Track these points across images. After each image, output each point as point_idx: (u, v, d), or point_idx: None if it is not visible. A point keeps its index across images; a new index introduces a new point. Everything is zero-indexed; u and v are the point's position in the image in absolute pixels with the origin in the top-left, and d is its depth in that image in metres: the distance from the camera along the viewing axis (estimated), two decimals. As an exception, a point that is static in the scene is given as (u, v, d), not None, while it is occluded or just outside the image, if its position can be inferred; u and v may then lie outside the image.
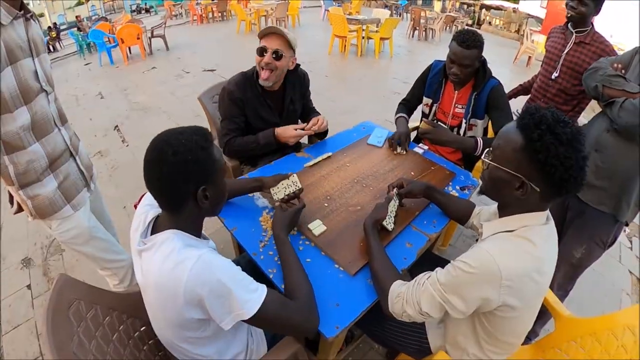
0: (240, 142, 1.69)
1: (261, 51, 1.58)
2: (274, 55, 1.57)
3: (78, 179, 1.26)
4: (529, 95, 2.24)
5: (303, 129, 1.68)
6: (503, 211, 0.92)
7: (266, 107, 1.72)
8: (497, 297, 0.79)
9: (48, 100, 1.12)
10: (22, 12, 1.02)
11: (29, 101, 1.03)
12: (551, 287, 1.36)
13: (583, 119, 2.13)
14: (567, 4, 1.83)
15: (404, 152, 1.76)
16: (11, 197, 1.21)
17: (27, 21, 1.04)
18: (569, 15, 1.84)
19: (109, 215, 1.56)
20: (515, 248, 0.81)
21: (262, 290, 0.83)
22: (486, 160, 0.89)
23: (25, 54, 1.01)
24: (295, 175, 1.31)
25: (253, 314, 0.78)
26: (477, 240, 1.03)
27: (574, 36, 1.86)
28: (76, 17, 15.19)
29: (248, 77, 1.68)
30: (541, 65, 2.10)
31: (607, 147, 1.34)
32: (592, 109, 2.95)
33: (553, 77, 1.96)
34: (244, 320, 0.80)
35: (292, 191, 1.26)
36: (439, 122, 1.90)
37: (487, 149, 0.90)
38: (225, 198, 0.93)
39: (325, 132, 1.86)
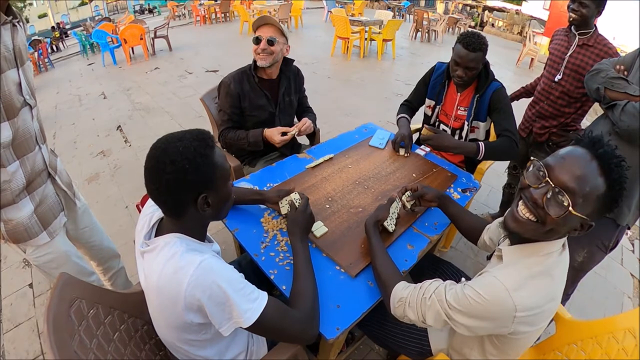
0: (232, 136, 1.76)
1: (257, 40, 1.71)
2: (268, 42, 1.69)
3: (55, 203, 1.20)
4: (531, 98, 2.23)
5: (287, 133, 1.71)
6: (523, 238, 0.82)
7: (263, 97, 1.79)
8: (508, 327, 0.77)
9: (32, 115, 1.05)
10: (10, 17, 0.93)
11: (12, 117, 0.96)
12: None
13: (586, 122, 2.12)
14: (568, 7, 1.84)
15: (407, 155, 1.76)
16: None
17: (13, 27, 0.96)
18: (571, 19, 1.84)
19: (100, 226, 1.51)
20: (532, 280, 0.77)
21: (262, 299, 0.81)
22: (576, 213, 0.70)
23: (10, 64, 0.94)
24: (296, 193, 1.24)
25: (251, 323, 0.78)
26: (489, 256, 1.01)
27: (577, 38, 1.86)
28: (58, 23, 15.40)
29: (244, 71, 1.79)
30: (544, 68, 2.09)
31: None
32: (594, 111, 2.94)
33: (556, 79, 1.95)
34: (242, 328, 0.80)
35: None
36: (441, 126, 1.90)
37: (563, 197, 0.71)
38: (231, 202, 0.91)
39: (313, 133, 1.96)
